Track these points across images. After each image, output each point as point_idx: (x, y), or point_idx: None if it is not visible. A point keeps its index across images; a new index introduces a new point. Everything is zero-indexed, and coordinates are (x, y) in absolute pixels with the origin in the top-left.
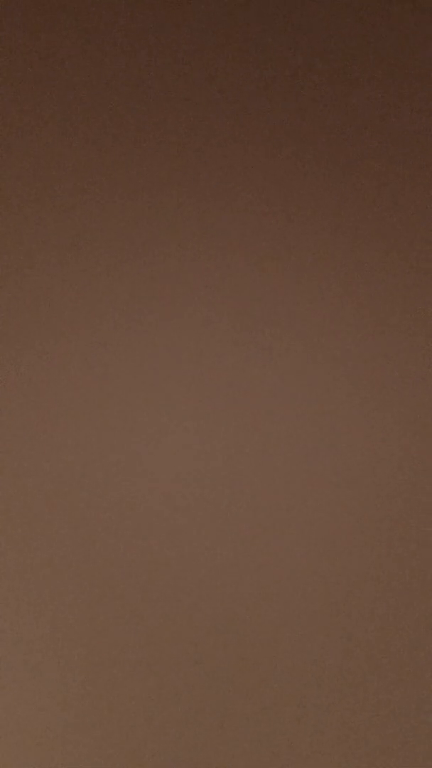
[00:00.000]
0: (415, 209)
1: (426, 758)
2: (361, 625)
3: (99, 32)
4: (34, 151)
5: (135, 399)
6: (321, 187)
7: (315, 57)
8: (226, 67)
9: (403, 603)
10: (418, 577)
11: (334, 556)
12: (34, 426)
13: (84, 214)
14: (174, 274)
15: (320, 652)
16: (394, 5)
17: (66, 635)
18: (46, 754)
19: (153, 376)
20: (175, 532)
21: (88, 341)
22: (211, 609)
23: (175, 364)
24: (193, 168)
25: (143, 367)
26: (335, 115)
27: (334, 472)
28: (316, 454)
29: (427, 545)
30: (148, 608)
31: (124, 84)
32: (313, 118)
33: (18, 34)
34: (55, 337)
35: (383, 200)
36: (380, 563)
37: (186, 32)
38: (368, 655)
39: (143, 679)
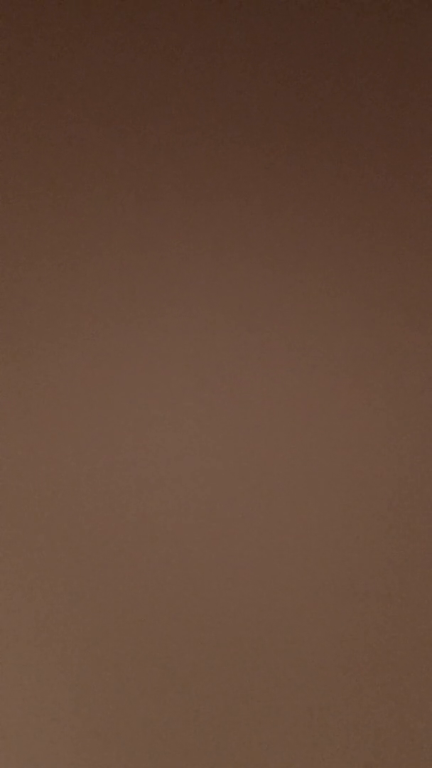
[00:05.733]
0: (415, 210)
1: (427, 759)
2: (362, 627)
3: (99, 31)
4: (35, 152)
5: (135, 400)
6: (321, 188)
7: (315, 57)
8: (227, 67)
9: (404, 602)
10: (419, 575)
11: (335, 558)
12: (35, 429)
13: (84, 216)
14: (174, 274)
15: (322, 654)
16: (394, 5)
17: (66, 637)
18: (47, 758)
19: (153, 377)
20: (176, 536)
21: (87, 343)
22: (212, 610)
23: (175, 365)
24: (193, 169)
25: (143, 369)
26: (336, 116)
27: (334, 474)
28: (316, 455)
29: (427, 543)
30: (149, 609)
31: (125, 85)
32: (313, 119)
33: (18, 33)
34: (55, 340)
35: (383, 201)
36: (381, 563)
37: (186, 32)
38: (370, 656)
39: (144, 683)
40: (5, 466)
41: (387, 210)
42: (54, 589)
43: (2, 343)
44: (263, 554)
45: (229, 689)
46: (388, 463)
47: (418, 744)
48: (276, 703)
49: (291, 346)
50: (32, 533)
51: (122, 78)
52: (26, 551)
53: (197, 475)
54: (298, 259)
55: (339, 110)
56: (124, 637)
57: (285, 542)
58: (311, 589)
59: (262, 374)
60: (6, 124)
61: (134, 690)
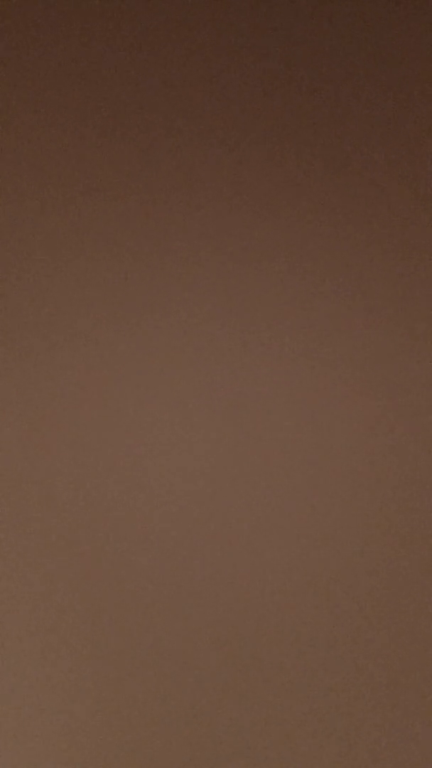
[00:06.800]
0: (416, 210)
1: (426, 760)
2: (362, 626)
3: (100, 31)
4: (35, 152)
5: (136, 402)
6: (322, 189)
7: (316, 57)
8: (228, 67)
9: (403, 604)
10: (418, 577)
11: (336, 560)
12: (36, 431)
13: (85, 217)
14: (175, 275)
15: (322, 653)
16: (394, 5)
17: (68, 638)
18: (47, 758)
19: (154, 378)
20: (177, 536)
21: (88, 344)
22: (212, 612)
23: (176, 366)
24: (193, 168)
25: (144, 370)
26: (336, 115)
27: (336, 477)
28: (319, 456)
29: (426, 545)
30: (149, 611)
31: (125, 85)
32: (314, 118)
33: (18, 33)
34: (55, 341)
35: (384, 200)
36: (381, 567)
37: (187, 32)
38: (370, 655)
39: (145, 682)
40: (7, 469)
41: (387, 210)
42: (54, 589)
43: (2, 346)
44: (263, 554)
45: (228, 686)
46: (392, 466)
47: (417, 742)
48: (275, 701)
49: (293, 348)
50: (33, 534)
51: (122, 77)
52: (27, 553)
53: (198, 475)
54: (299, 261)
55: (340, 111)
56: (124, 636)
57: (285, 543)
58: (312, 590)
59: (263, 374)
60: (6, 124)
61: (134, 688)
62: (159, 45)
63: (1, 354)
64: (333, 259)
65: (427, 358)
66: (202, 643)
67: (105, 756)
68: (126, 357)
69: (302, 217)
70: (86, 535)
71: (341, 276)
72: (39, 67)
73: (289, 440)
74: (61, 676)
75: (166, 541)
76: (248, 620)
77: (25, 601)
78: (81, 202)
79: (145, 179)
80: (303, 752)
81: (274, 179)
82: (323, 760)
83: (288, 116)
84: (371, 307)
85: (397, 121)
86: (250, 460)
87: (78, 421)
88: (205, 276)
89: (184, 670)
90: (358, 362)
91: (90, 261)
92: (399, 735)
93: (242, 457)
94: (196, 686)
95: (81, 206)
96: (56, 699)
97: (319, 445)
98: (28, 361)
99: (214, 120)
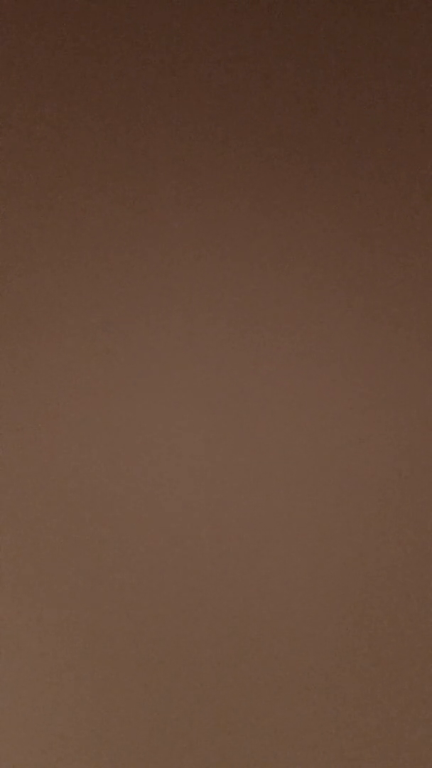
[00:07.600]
0: (416, 210)
1: (426, 761)
2: (361, 631)
3: (100, 31)
4: (35, 152)
5: (136, 402)
6: (322, 187)
7: (316, 56)
8: (228, 65)
9: (402, 608)
10: (419, 580)
11: (335, 562)
12: (36, 431)
13: (84, 218)
14: (175, 278)
15: (321, 658)
16: (394, 5)
17: (68, 640)
18: (45, 757)
19: (154, 379)
20: (177, 539)
21: (88, 343)
22: (212, 610)
23: (175, 367)
24: (194, 172)
25: (144, 371)
26: (337, 116)
27: (335, 479)
28: (318, 459)
29: (427, 547)
30: (149, 613)
31: (125, 84)
32: (314, 119)
33: (19, 34)
34: (55, 341)
35: (384, 200)
36: (382, 567)
37: (187, 31)
38: (368, 661)
39: (144, 682)
40: (6, 469)
41: (387, 210)
42: (53, 588)
43: (2, 346)
44: (264, 553)
45: (228, 685)
46: (393, 467)
47: (418, 745)
48: (276, 701)
49: (292, 347)
50: (33, 538)
51: (122, 76)
52: (26, 552)
53: (199, 474)
54: (299, 262)
55: (340, 113)
56: (124, 635)
57: (285, 542)
58: (312, 589)
59: (263, 373)
60: (7, 124)
61: (134, 685)
62: (159, 43)
63: (1, 354)
64: (333, 260)
65: (428, 358)
66: (202, 641)
67: (105, 755)
68: (126, 356)
69: (302, 217)
70: (86, 534)
71: (341, 276)
72: (39, 67)
73: (289, 440)
74: (61, 675)
75: (166, 540)
76: (248, 618)
77: (25, 601)
78: (81, 202)
79: (145, 179)
80: (303, 753)
81: (275, 179)
82: (323, 761)
83: (288, 115)
84: (371, 307)
85: (399, 120)
86: (250, 459)
87: (78, 421)
88: (205, 275)
89: (183, 671)
90: (358, 364)
91: (89, 260)
92: (400, 738)
93: (242, 455)
94: (196, 685)
95: (81, 206)
96: (56, 698)
97: (319, 445)
98: (28, 360)
99: (214, 119)
